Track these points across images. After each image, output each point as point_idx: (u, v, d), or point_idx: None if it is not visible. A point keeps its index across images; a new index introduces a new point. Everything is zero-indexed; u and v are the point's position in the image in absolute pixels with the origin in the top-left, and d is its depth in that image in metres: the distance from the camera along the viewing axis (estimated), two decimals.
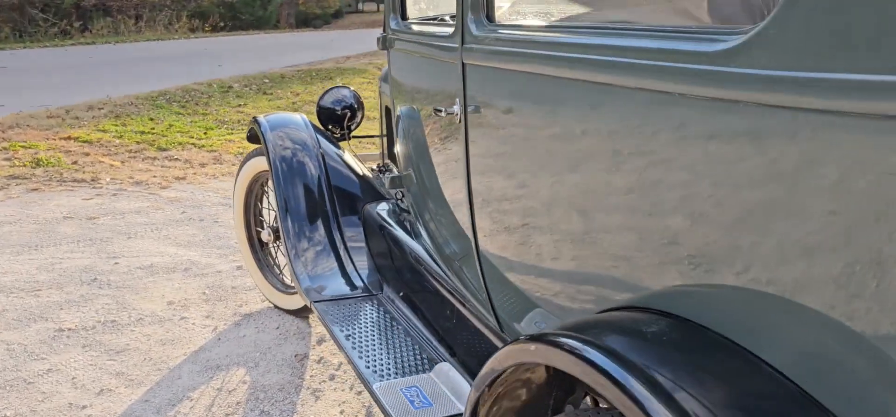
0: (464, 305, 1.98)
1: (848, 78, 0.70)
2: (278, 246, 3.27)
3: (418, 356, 2.10)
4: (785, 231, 0.83)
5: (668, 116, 0.99)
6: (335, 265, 2.75)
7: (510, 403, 1.27)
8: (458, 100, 1.57)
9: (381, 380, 1.97)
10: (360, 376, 2.03)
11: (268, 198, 3.41)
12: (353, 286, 2.63)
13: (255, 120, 3.14)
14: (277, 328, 3.13)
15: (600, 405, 1.28)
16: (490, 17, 1.50)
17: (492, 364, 1.22)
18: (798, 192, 0.80)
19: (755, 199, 0.87)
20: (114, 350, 2.88)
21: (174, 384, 2.66)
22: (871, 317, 0.75)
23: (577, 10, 1.55)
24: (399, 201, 2.79)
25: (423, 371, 2.01)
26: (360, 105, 3.37)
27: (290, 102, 8.96)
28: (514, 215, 1.47)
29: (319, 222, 2.86)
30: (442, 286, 2.18)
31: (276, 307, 3.33)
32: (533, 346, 1.11)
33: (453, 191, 1.73)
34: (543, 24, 1.48)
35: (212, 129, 7.25)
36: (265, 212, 3.46)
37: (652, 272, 1.08)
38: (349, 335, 2.24)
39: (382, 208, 2.85)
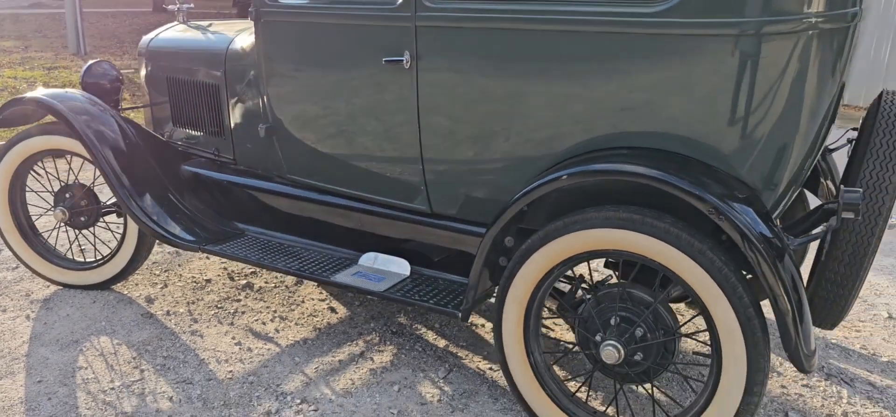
0: (368, 205, 2.65)
1: (710, 20, 1.84)
2: (67, 226, 3.23)
3: (336, 258, 2.73)
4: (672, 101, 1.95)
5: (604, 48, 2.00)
6: (193, 217, 3.03)
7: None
8: (407, 51, 2.29)
9: (334, 274, 2.57)
10: (312, 279, 2.57)
11: (44, 181, 3.29)
12: (224, 232, 2.99)
13: (37, 100, 3.05)
14: (94, 301, 3.17)
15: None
16: None
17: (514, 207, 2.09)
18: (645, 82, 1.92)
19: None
20: None
21: (51, 365, 2.64)
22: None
23: None
24: (218, 156, 3.18)
25: (351, 264, 2.67)
26: (122, 78, 3.51)
27: None
28: (452, 131, 2.30)
29: (157, 185, 3.07)
30: (307, 202, 2.79)
31: (67, 285, 3.29)
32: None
33: (398, 119, 2.41)
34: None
35: None
36: (36, 196, 3.33)
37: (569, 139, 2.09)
38: (273, 259, 2.70)
39: (201, 165, 3.20)
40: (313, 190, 2.80)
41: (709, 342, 1.99)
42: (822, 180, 2.58)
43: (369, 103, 2.46)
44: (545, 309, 2.28)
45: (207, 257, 3.69)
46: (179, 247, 2.87)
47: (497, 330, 2.24)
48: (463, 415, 2.40)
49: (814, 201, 2.56)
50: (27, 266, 3.30)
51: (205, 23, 3.53)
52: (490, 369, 2.70)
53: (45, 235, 3.38)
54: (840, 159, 2.57)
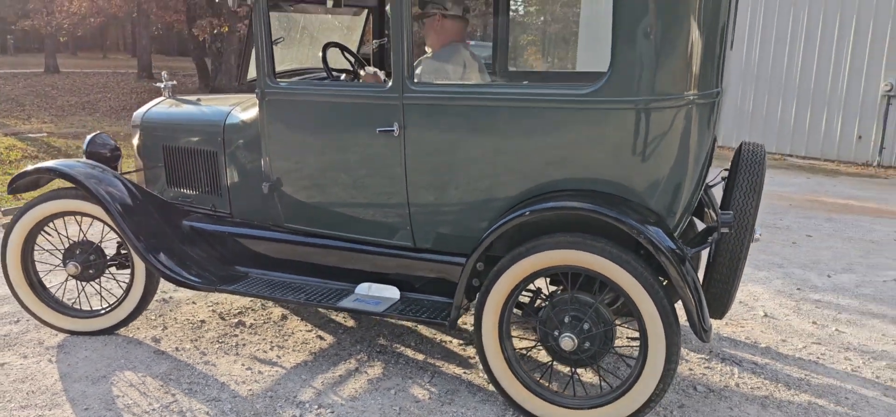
0: (360, 245, 3.26)
1: (618, 99, 2.60)
2: (76, 279, 3.63)
3: (334, 290, 3.30)
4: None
5: (544, 122, 2.73)
6: (201, 263, 3.51)
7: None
8: (396, 123, 2.94)
9: (338, 302, 3.14)
10: (323, 305, 3.13)
11: (52, 238, 3.69)
12: (230, 275, 3.49)
13: (55, 169, 3.49)
14: (105, 344, 3.58)
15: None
16: (411, 79, 2.93)
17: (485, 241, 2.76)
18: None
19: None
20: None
21: (90, 396, 3.05)
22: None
23: (473, 77, 3.14)
24: (215, 211, 3.71)
25: (349, 294, 3.25)
26: (119, 147, 3.98)
27: None
28: (432, 183, 2.95)
29: (166, 238, 3.54)
30: (305, 247, 3.37)
31: (75, 333, 3.67)
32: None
33: (387, 176, 3.03)
34: (451, 83, 3.01)
35: None
36: (47, 254, 3.72)
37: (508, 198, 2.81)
38: (282, 293, 3.24)
39: (200, 220, 3.70)
40: (311, 235, 3.37)
41: (638, 330, 2.71)
42: (705, 208, 3.41)
43: (364, 163, 3.09)
44: (513, 315, 2.95)
45: (194, 303, 4.14)
46: (198, 289, 3.36)
47: (477, 332, 2.89)
48: (452, 406, 3.02)
49: (701, 225, 3.38)
50: (37, 318, 3.66)
51: (192, 98, 4.07)
52: (464, 372, 3.33)
53: (52, 289, 3.75)
54: (717, 192, 3.41)
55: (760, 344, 3.77)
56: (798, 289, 4.70)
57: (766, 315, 4.19)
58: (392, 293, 3.18)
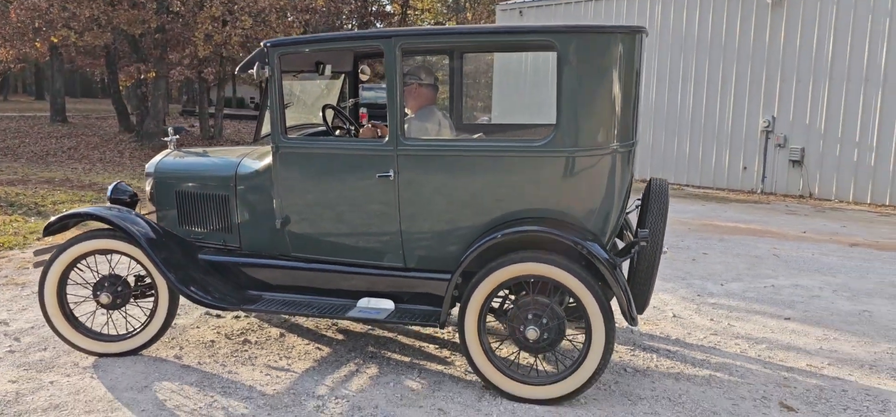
0: (359, 268, 4.03)
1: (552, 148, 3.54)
2: (104, 309, 4.22)
3: (338, 305, 4.05)
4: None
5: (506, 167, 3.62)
6: (220, 289, 4.18)
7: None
8: (392, 169, 3.76)
9: (345, 313, 3.90)
10: (333, 316, 3.88)
11: (83, 274, 4.27)
12: (250, 297, 4.17)
13: (92, 214, 4.11)
14: (134, 362, 4.17)
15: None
16: (404, 135, 3.77)
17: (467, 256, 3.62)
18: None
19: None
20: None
21: (141, 401, 3.65)
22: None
23: (445, 132, 4.00)
24: (225, 246, 4.40)
25: (352, 307, 4.01)
26: (135, 193, 4.61)
27: None
28: (420, 215, 3.78)
29: (189, 269, 4.19)
30: (310, 272, 4.12)
31: (104, 355, 4.24)
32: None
33: (384, 211, 3.82)
34: (435, 138, 3.86)
35: None
36: (79, 288, 4.29)
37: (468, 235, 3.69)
38: (297, 309, 3.96)
39: (212, 255, 4.38)
40: (316, 262, 4.12)
41: (583, 323, 3.61)
42: (624, 231, 4.39)
43: (365, 201, 3.88)
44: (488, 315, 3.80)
45: (197, 327, 4.77)
46: (224, 310, 4.04)
47: (461, 329, 3.71)
48: (441, 392, 3.83)
49: (621, 244, 4.36)
50: (70, 344, 4.20)
51: (199, 149, 4.75)
52: (445, 368, 4.15)
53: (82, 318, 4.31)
54: (632, 218, 4.41)
55: (671, 337, 4.78)
56: (698, 295, 5.78)
57: (674, 316, 5.22)
58: (387, 304, 3.97)
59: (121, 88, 20.28)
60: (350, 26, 26.54)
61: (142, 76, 17.07)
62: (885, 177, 11.33)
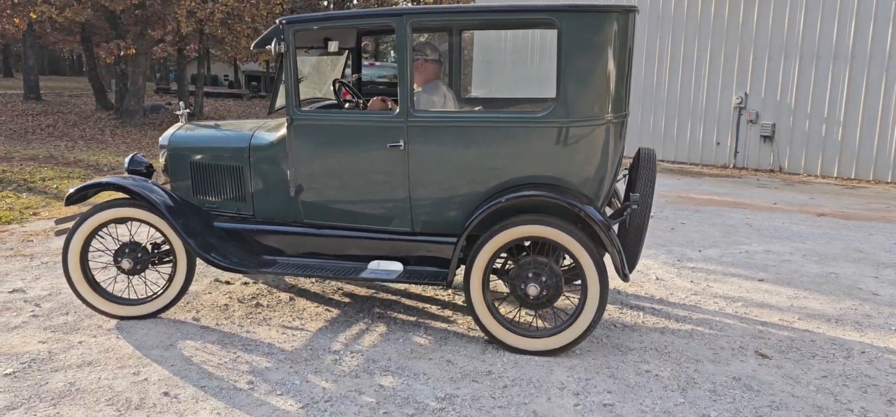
0: (369, 233, 4.31)
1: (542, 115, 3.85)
2: (131, 276, 4.46)
3: (350, 268, 4.33)
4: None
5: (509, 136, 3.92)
6: (237, 254, 4.43)
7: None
8: (402, 140, 4.02)
9: (358, 275, 4.18)
10: (345, 278, 4.15)
11: (104, 241, 4.49)
12: (265, 261, 4.43)
13: (113, 184, 4.32)
14: (155, 324, 4.42)
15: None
16: (413, 107, 4.04)
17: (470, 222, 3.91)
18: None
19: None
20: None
21: (168, 357, 3.90)
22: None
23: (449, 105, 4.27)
24: (239, 214, 4.64)
25: (364, 269, 4.29)
26: (151, 164, 4.82)
27: None
28: (427, 182, 4.06)
29: (206, 235, 4.43)
30: (323, 237, 4.38)
31: (125, 318, 4.48)
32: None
33: (394, 179, 4.09)
34: (442, 110, 4.13)
35: None
36: (100, 254, 4.50)
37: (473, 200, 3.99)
38: (311, 272, 4.23)
39: (226, 223, 4.62)
40: (328, 228, 4.38)
41: (578, 284, 3.94)
42: (613, 198, 4.71)
43: (376, 169, 4.15)
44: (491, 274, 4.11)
45: (209, 293, 5.02)
46: (242, 274, 4.29)
47: (466, 288, 4.01)
48: (447, 345, 4.14)
49: (610, 210, 4.69)
50: (94, 308, 4.42)
51: (210, 123, 4.97)
52: (448, 326, 4.46)
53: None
54: (621, 187, 4.73)
55: (655, 297, 5.14)
56: (678, 260, 6.16)
57: (657, 279, 5.59)
58: (397, 266, 4.25)
59: (101, 65, 20.12)
60: (331, 6, 26.50)
61: (122, 53, 16.99)
62: (851, 151, 11.85)
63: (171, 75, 39.85)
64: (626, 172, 4.56)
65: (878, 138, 11.59)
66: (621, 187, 4.88)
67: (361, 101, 4.81)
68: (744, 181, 11.43)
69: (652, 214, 4.27)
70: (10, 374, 3.66)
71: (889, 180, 11.48)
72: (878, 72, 11.49)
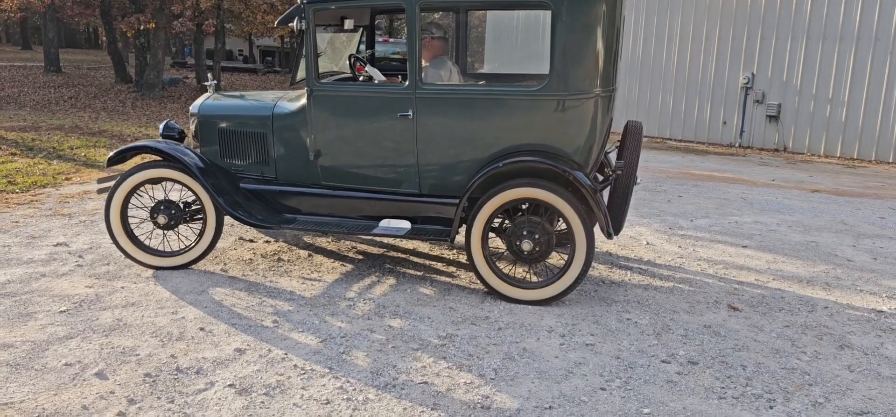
0: (380, 194, 4.77)
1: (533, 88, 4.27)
2: (165, 231, 4.96)
3: (363, 225, 4.79)
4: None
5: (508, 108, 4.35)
6: (262, 212, 4.91)
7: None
8: (411, 110, 4.46)
9: (370, 231, 4.64)
10: (359, 233, 4.62)
11: (141, 199, 4.98)
12: (287, 219, 4.90)
13: (149, 147, 4.81)
14: (187, 274, 4.91)
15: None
16: (421, 80, 4.47)
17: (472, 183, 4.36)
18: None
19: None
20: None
21: (202, 301, 4.40)
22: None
23: (454, 79, 4.70)
24: (263, 176, 5.11)
25: (376, 226, 4.75)
26: (183, 130, 5.30)
27: None
28: (434, 148, 4.51)
29: (234, 195, 4.91)
30: (338, 198, 4.85)
31: (159, 268, 4.98)
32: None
33: (403, 145, 4.53)
34: (447, 83, 4.57)
35: None
36: (138, 211, 4.99)
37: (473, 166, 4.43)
38: (329, 227, 4.71)
39: (251, 184, 5.09)
40: (344, 189, 4.84)
41: (567, 238, 4.37)
42: (605, 167, 5.13)
43: (387, 136, 4.59)
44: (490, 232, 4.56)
45: (235, 249, 5.51)
46: (268, 229, 4.77)
47: (467, 244, 4.47)
48: (451, 295, 4.60)
49: (600, 177, 5.11)
50: (132, 258, 4.92)
51: (236, 93, 5.43)
52: (451, 280, 4.92)
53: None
54: (612, 157, 5.15)
55: (644, 259, 5.57)
56: (670, 228, 6.58)
57: (647, 243, 6.01)
58: (405, 224, 4.72)
59: (119, 39, 20.63)
60: None
61: (141, 27, 17.48)
62: (854, 131, 12.14)
63: (187, 50, 40.43)
64: (617, 145, 4.97)
65: (881, 119, 11.86)
66: (614, 157, 5.30)
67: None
68: (747, 160, 11.77)
69: (638, 181, 4.69)
70: (64, 311, 4.17)
71: (890, 161, 11.78)
72: (882, 54, 11.74)
